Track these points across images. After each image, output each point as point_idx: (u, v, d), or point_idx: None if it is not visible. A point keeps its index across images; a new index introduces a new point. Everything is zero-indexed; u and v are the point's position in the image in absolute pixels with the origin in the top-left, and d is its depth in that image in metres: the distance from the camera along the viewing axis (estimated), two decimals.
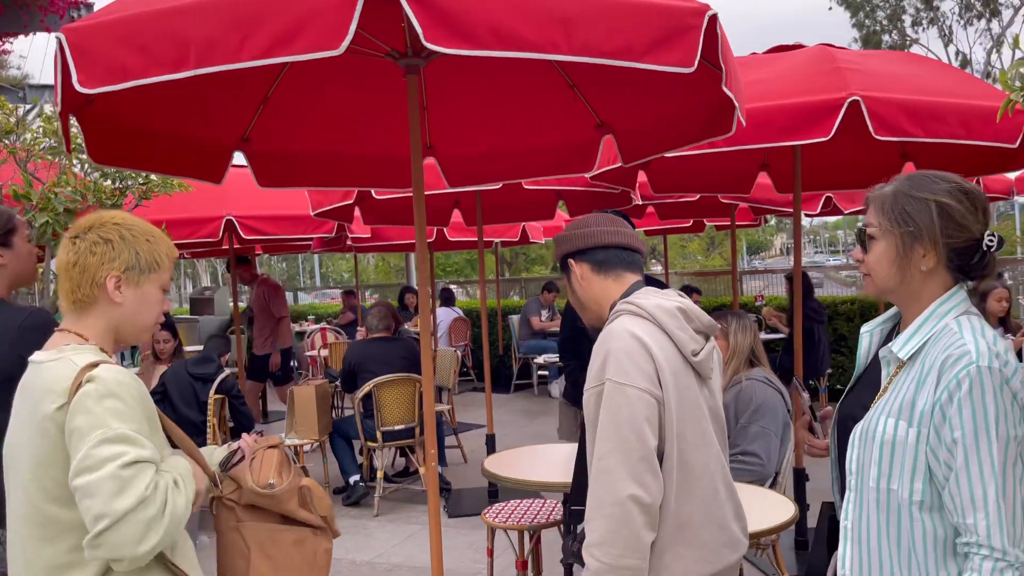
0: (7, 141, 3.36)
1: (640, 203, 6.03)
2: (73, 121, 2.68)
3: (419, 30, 1.82)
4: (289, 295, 17.70)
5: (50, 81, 17.05)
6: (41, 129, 3.40)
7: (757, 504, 2.85)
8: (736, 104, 2.51)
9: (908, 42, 25.18)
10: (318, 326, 10.28)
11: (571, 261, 1.96)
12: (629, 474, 1.65)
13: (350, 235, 7.73)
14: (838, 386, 8.76)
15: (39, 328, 2.19)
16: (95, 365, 1.53)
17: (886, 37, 25.26)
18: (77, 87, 1.99)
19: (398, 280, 21.33)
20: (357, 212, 5.98)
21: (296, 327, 11.91)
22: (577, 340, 4.26)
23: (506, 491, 5.45)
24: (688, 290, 8.56)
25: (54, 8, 12.18)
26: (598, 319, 1.95)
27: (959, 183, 1.52)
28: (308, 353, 9.40)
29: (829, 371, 7.60)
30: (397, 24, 2.68)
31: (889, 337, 1.68)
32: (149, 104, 2.96)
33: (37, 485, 1.53)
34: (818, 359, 6.88)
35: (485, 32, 1.88)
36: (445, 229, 8.25)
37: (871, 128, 3.29)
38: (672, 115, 3.28)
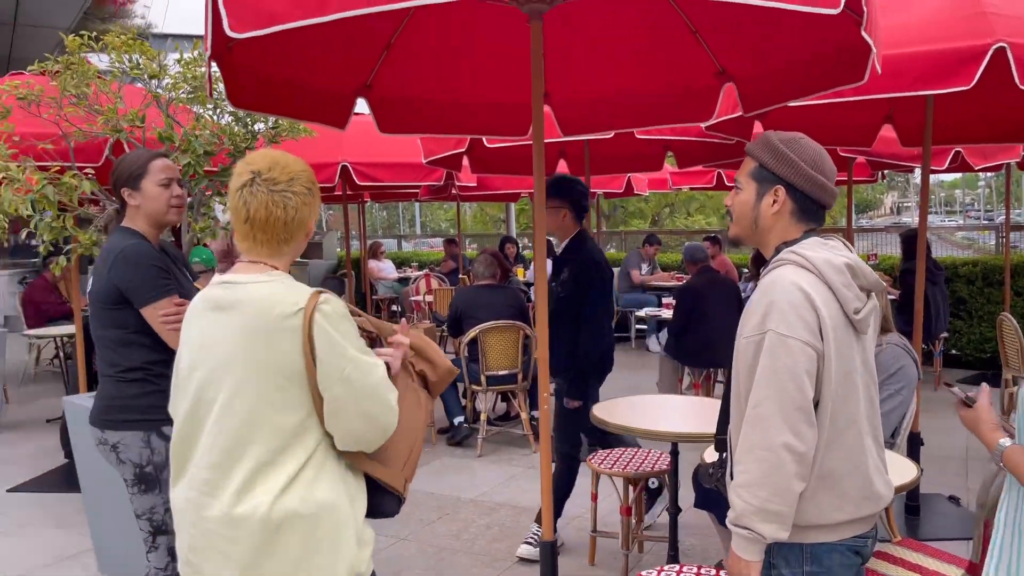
0: (151, 85, 3.56)
1: None
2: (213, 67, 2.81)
3: None
4: (391, 242, 18.13)
5: (172, 31, 17.78)
6: (180, 75, 3.58)
7: None
8: (873, 51, 2.41)
9: None
10: (422, 272, 10.52)
11: (780, 187, 1.86)
12: (785, 422, 1.68)
13: (457, 183, 7.83)
14: (953, 351, 8.39)
15: (129, 260, 2.47)
16: (320, 292, 1.77)
17: None
18: (228, 31, 2.08)
19: (496, 230, 21.49)
20: (465, 161, 6.05)
21: (400, 273, 12.25)
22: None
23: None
24: None
25: None
26: (751, 239, 1.95)
27: None
28: (413, 298, 9.66)
29: (945, 335, 7.28)
30: None
31: None
32: (281, 52, 3.07)
33: (255, 389, 1.74)
34: (931, 322, 6.60)
35: None
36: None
37: (1016, 78, 3.10)
38: (798, 62, 3.16)
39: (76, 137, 3.61)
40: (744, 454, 1.73)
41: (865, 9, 2.23)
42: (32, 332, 7.22)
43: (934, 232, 19.57)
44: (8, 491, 5.11)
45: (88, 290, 2.61)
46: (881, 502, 1.83)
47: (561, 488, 3.86)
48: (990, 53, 3.08)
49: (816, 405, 1.72)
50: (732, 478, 1.80)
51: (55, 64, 3.61)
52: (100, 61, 3.82)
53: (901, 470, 2.76)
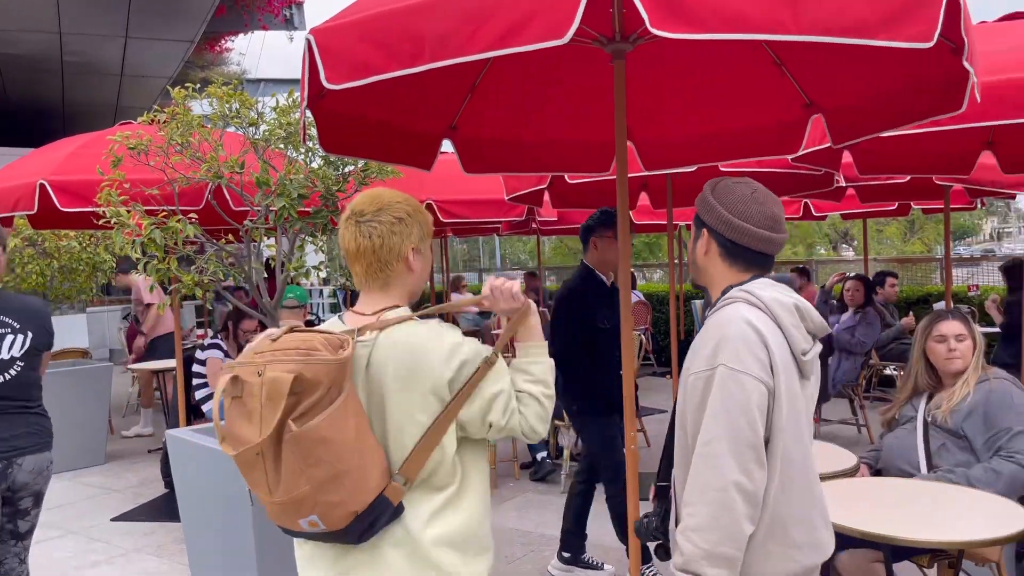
0: (249, 132, 3.74)
1: (843, 185, 5.71)
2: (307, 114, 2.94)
3: (645, 16, 1.84)
4: (473, 275, 18.34)
5: (266, 75, 18.59)
6: (275, 121, 3.75)
7: (985, 509, 2.65)
8: (974, 80, 2.33)
9: None
10: None
11: (705, 231, 1.91)
12: (736, 460, 1.63)
13: (537, 218, 7.89)
14: None
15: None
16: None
17: None
18: (324, 83, 2.18)
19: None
20: (546, 196, 6.09)
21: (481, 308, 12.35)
22: None
23: None
24: (883, 275, 8.03)
25: (270, 8, 13.28)
26: (699, 280, 1.97)
27: None
28: (495, 332, 9.73)
29: None
30: (606, 10, 2.71)
31: None
32: (370, 97, 3.18)
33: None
34: None
35: (710, 14, 1.87)
36: (631, 213, 8.22)
37: None
38: (890, 92, 3.08)
39: (180, 183, 3.81)
40: (694, 495, 1.66)
41: (966, 38, 2.17)
42: (135, 366, 7.58)
43: None
44: (112, 520, 5.34)
45: None
46: (824, 551, 1.77)
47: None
48: None
49: (767, 444, 1.67)
50: (677, 523, 1.74)
51: (161, 115, 3.84)
52: (201, 107, 4.04)
53: (1015, 518, 2.61)
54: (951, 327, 3.22)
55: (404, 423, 1.78)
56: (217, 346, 5.43)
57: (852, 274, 7.08)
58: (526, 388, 1.88)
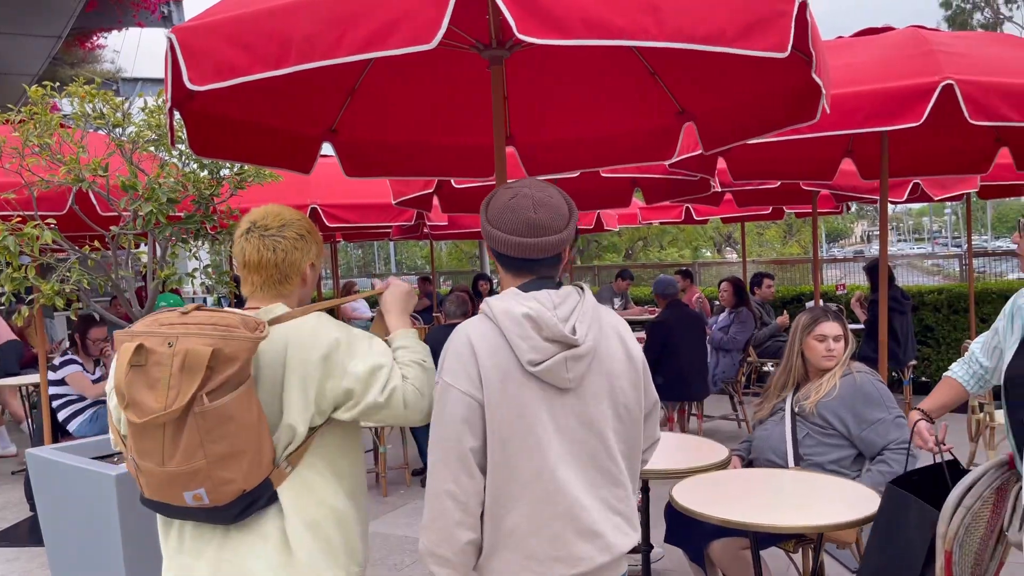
0: (114, 134, 3.56)
1: (719, 190, 5.96)
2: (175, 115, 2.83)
3: (512, 22, 1.86)
4: (365, 281, 18.07)
5: (143, 75, 17.79)
6: (144, 122, 3.59)
7: (845, 495, 2.82)
8: (823, 91, 2.47)
9: (1001, 20, 23.97)
10: None
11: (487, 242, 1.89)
12: (447, 469, 1.70)
13: (428, 223, 7.87)
14: (923, 378, 8.49)
15: None
16: None
17: (978, 16, 24.09)
18: (188, 84, 2.10)
19: (471, 267, 21.53)
20: (435, 201, 6.09)
21: (374, 312, 12.21)
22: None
23: None
24: (760, 276, 8.42)
25: (146, 4, 12.71)
26: None
27: None
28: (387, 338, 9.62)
29: (913, 362, 7.38)
30: (482, 16, 2.74)
31: None
32: (244, 98, 3.09)
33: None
34: (900, 350, 6.69)
35: (576, 21, 1.91)
36: None
37: (966, 113, 3.19)
38: (754, 102, 3.24)
39: (39, 187, 3.59)
40: (426, 497, 1.76)
41: (813, 52, 2.31)
42: None
43: (904, 259, 19.90)
44: None
45: None
46: (581, 564, 1.74)
47: None
48: (938, 90, 3.18)
49: (487, 456, 1.71)
50: None
51: (18, 114, 3.61)
52: (72, 107, 3.82)
53: (870, 503, 2.77)
54: (831, 328, 3.41)
55: (291, 410, 1.81)
56: (72, 361, 5.25)
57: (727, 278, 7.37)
58: (405, 358, 1.95)
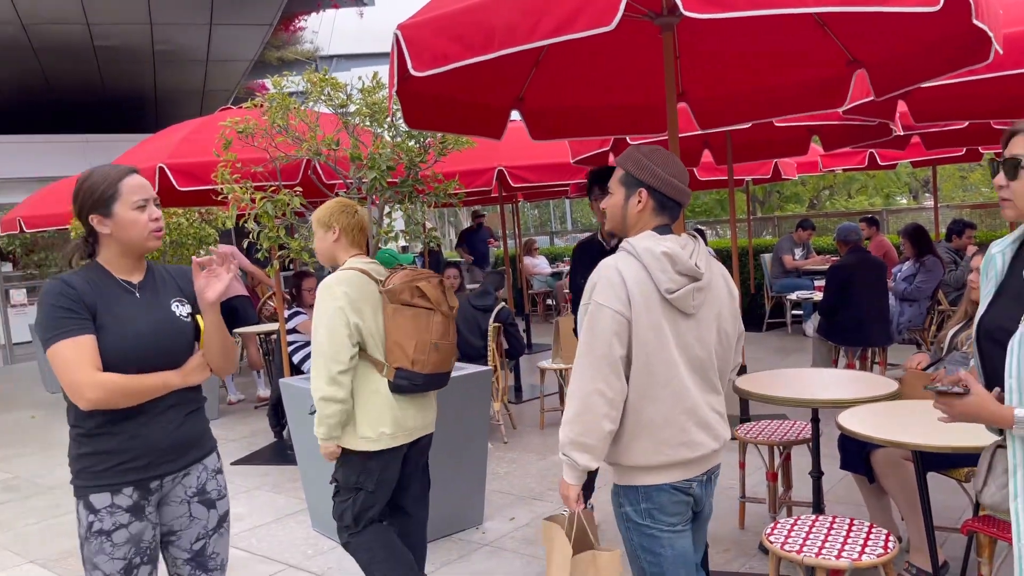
0: (340, 112, 4.20)
1: (901, 133, 5.84)
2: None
3: (678, 1, 2.17)
4: (544, 239, 18.70)
5: (338, 51, 19.07)
6: (361, 101, 4.19)
7: None
8: (991, 34, 2.57)
9: None
10: None
11: (643, 190, 2.20)
12: (598, 372, 2.06)
13: None
14: None
15: (40, 300, 2.08)
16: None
17: None
18: (411, 71, 2.59)
19: None
20: (611, 158, 6.40)
21: (554, 268, 12.76)
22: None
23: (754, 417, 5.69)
24: (962, 224, 8.00)
25: None
26: (621, 233, 2.29)
27: None
28: (566, 291, 10.12)
29: None
30: None
31: (1018, 254, 1.85)
32: (447, 78, 3.55)
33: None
34: None
35: None
36: (695, 169, 8.43)
37: None
38: (925, 47, 3.30)
39: (282, 161, 4.31)
40: (570, 397, 2.11)
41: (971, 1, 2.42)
42: (239, 330, 8.27)
43: None
44: (232, 464, 6.01)
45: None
46: (699, 449, 2.16)
47: None
48: None
49: (631, 363, 2.08)
50: None
51: (263, 101, 4.34)
52: (295, 86, 4.52)
53: None
54: None
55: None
56: (298, 312, 6.10)
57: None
58: None
